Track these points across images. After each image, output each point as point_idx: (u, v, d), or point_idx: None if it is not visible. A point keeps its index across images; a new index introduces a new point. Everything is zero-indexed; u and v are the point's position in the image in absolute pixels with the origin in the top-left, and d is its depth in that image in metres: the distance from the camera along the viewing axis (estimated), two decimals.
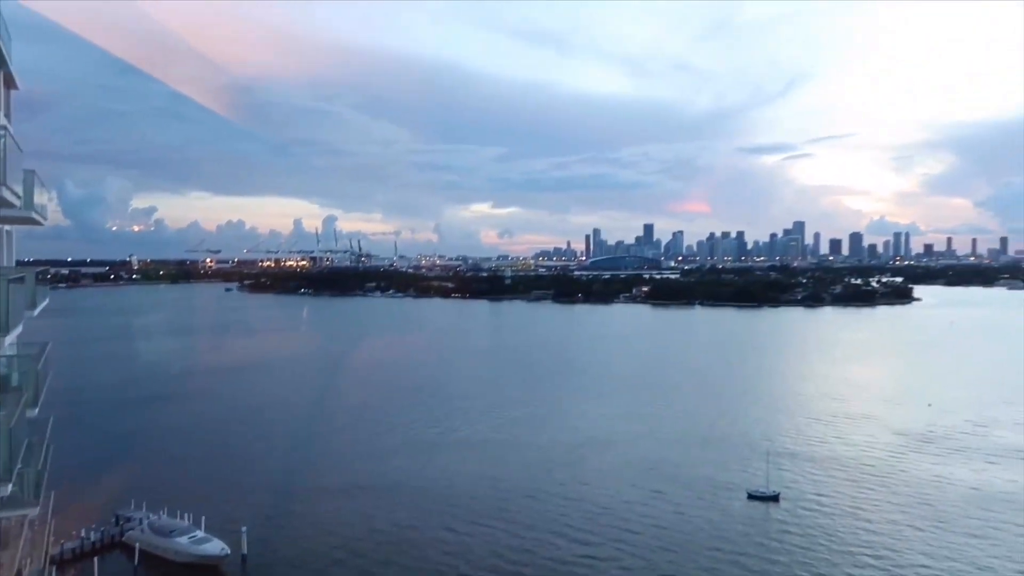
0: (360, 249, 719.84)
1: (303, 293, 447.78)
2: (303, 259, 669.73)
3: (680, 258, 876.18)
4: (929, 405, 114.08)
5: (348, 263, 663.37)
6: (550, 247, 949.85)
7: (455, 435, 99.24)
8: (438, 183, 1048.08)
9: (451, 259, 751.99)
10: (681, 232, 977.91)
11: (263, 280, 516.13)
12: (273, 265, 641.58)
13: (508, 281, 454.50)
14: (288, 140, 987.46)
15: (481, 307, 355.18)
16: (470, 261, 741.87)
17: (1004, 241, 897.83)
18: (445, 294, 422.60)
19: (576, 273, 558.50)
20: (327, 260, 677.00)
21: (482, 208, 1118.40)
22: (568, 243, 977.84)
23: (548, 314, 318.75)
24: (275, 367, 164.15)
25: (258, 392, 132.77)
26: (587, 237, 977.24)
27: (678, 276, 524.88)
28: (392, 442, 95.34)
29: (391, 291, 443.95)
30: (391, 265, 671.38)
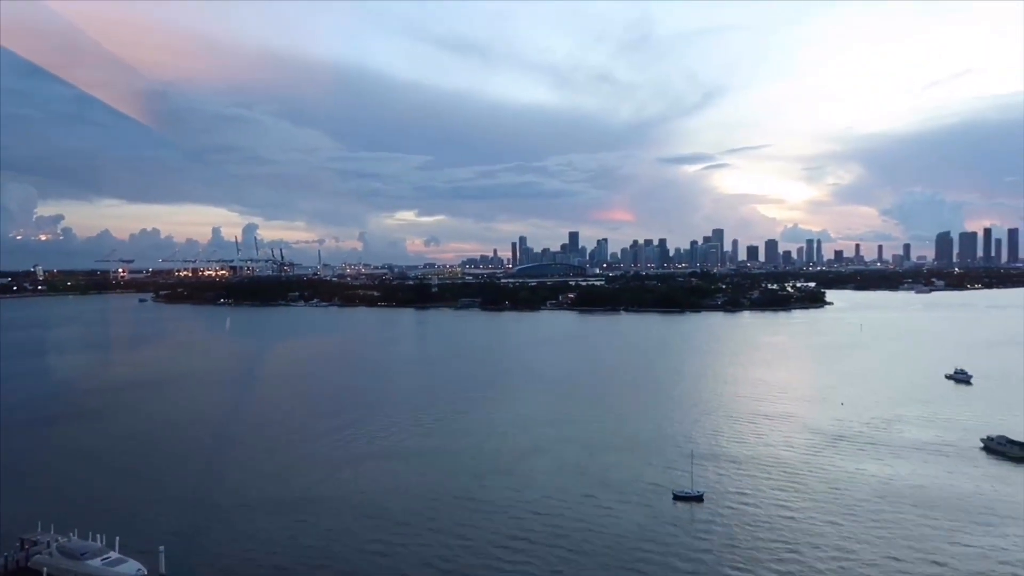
0: (283, 258, 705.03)
1: (222, 303, 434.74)
2: (222, 268, 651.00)
3: (605, 265, 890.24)
4: (842, 404, 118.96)
5: (270, 272, 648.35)
6: (477, 255, 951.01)
7: (382, 444, 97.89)
8: (363, 191, 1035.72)
9: (377, 268, 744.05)
10: (606, 240, 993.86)
11: (180, 290, 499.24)
12: (190, 275, 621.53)
13: (435, 289, 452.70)
14: (206, 146, 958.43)
15: (408, 316, 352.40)
16: (396, 269, 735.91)
17: (907, 247, 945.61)
18: (371, 303, 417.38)
19: (503, 281, 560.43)
20: (248, 269, 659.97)
21: (408, 216, 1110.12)
22: (495, 251, 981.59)
23: (475, 322, 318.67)
24: (192, 380, 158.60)
25: (174, 407, 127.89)
26: (514, 245, 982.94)
27: (603, 283, 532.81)
28: (317, 453, 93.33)
29: (315, 301, 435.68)
30: (315, 274, 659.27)
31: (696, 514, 70.16)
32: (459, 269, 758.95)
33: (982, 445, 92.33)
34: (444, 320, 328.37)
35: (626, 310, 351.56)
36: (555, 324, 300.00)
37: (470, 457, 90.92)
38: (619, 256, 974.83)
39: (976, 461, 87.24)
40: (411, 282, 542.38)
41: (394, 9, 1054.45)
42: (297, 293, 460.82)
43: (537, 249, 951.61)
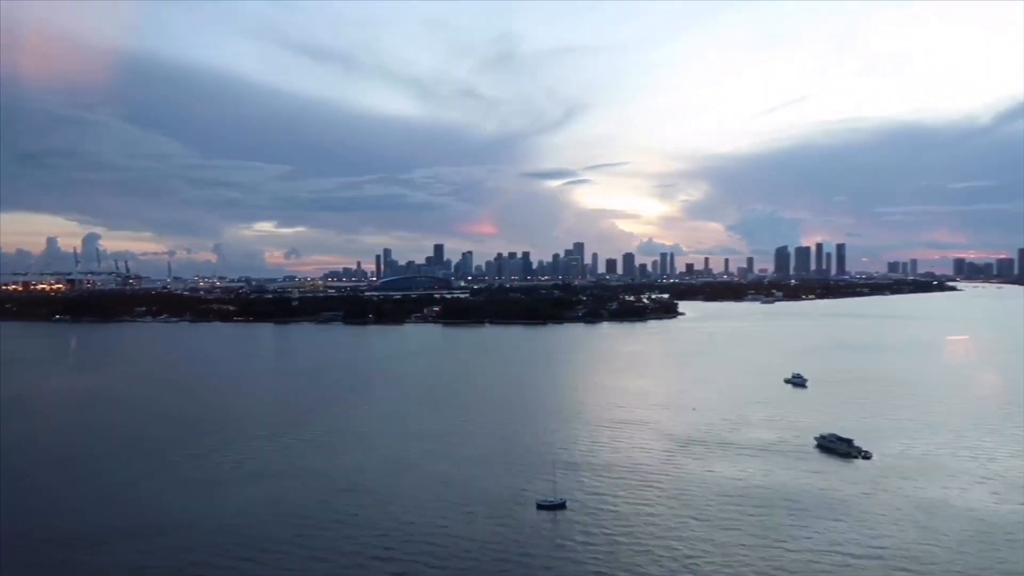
0: (128, 270, 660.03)
1: (58, 320, 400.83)
2: (58, 282, 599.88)
3: (470, 278, 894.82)
4: (693, 409, 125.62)
5: (113, 286, 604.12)
6: (340, 268, 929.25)
7: (244, 466, 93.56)
8: (218, 201, 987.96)
9: (233, 281, 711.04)
10: (471, 252, 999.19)
11: (8, 306, 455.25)
12: (21, 289, 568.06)
13: (295, 303, 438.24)
14: (41, 150, 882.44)
15: (266, 330, 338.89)
16: (254, 283, 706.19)
17: (750, 261, 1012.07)
18: (226, 318, 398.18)
19: (367, 294, 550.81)
20: (88, 283, 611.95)
21: (267, 227, 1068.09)
22: (359, 263, 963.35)
23: (338, 336, 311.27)
24: (24, 405, 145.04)
25: (7, 434, 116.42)
26: (378, 257, 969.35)
27: (468, 296, 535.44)
28: (174, 478, 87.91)
29: (164, 316, 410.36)
30: (164, 288, 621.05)
31: (559, 521, 71.80)
32: (321, 282, 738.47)
33: (816, 443, 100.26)
34: (305, 335, 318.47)
35: (491, 322, 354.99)
36: (420, 337, 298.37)
37: (334, 474, 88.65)
38: (484, 269, 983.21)
39: (811, 458, 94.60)
40: (270, 296, 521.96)
41: (253, 12, 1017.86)
42: (144, 308, 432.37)
43: (402, 262, 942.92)
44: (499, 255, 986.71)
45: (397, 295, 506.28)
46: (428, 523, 71.29)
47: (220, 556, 63.74)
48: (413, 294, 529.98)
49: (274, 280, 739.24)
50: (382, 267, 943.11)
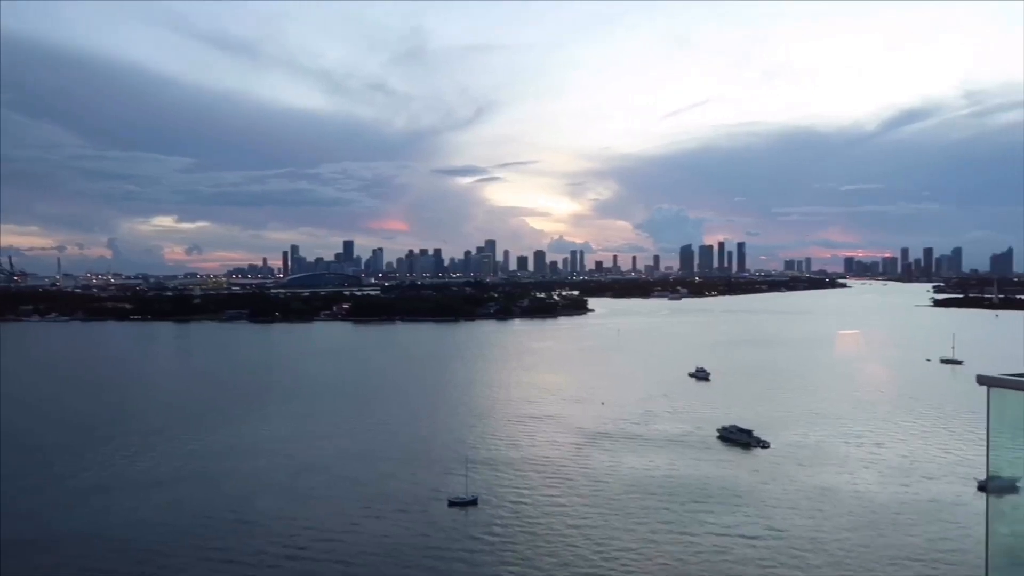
0: (12, 266, 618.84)
1: None
2: None
3: (381, 275, 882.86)
4: (603, 403, 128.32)
5: None
6: (244, 264, 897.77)
7: (144, 472, 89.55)
8: (113, 194, 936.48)
9: (129, 278, 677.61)
10: (381, 249, 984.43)
11: None
12: None
13: (197, 300, 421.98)
14: None
15: (166, 329, 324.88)
16: (152, 280, 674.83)
17: (657, 259, 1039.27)
18: (122, 316, 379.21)
19: (274, 291, 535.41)
20: None
21: (166, 222, 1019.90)
22: (264, 260, 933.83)
23: (244, 335, 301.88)
24: None
25: None
26: (285, 254, 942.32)
27: (379, 293, 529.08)
28: (67, 486, 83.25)
29: (53, 315, 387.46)
30: (53, 285, 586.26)
31: (471, 518, 72.13)
32: (225, 279, 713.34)
33: (718, 434, 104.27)
34: (209, 334, 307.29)
35: (402, 319, 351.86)
36: (329, 335, 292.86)
37: (241, 477, 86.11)
38: (395, 266, 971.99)
39: (713, 449, 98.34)
40: (170, 293, 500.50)
41: (153, 1, 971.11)
42: (30, 306, 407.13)
43: (310, 258, 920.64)
44: (410, 252, 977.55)
45: (305, 292, 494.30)
46: (338, 523, 70.27)
47: (118, 566, 60.93)
48: (322, 291, 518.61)
49: (174, 277, 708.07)
50: (289, 264, 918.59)
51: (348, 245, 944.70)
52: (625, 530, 67.95)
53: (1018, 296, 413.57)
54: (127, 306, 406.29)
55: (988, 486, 6.17)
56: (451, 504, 75.50)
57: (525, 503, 76.09)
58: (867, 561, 61.36)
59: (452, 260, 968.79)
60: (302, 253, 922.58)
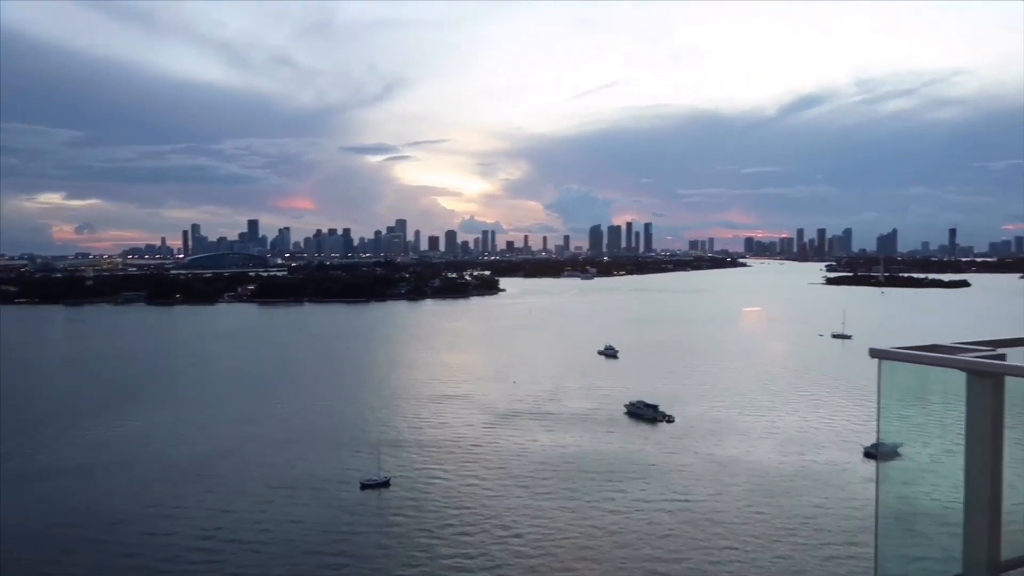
0: None
1: None
2: None
3: (288, 255, 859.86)
4: (514, 382, 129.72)
5: None
6: (142, 244, 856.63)
7: (42, 463, 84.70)
8: None
9: (13, 258, 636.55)
10: (288, 229, 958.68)
11: None
12: None
13: (90, 283, 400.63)
14: None
15: (56, 313, 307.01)
16: (39, 260, 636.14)
17: (567, 239, 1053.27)
18: (7, 299, 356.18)
19: (174, 272, 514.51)
20: None
21: (54, 199, 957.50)
22: (163, 240, 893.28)
23: (142, 318, 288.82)
24: None
25: None
26: (185, 233, 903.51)
27: (286, 273, 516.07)
28: None
29: None
30: None
31: (383, 499, 71.86)
32: (120, 260, 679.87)
33: (625, 410, 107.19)
34: (103, 318, 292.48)
35: (310, 301, 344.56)
36: (234, 318, 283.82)
37: (143, 465, 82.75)
38: (302, 246, 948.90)
39: (621, 424, 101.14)
40: (59, 275, 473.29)
41: None
42: None
43: (213, 238, 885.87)
44: (318, 231, 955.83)
45: (208, 273, 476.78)
46: (248, 508, 68.70)
47: (17, 559, 57.66)
48: (226, 272, 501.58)
49: (64, 258, 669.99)
50: (190, 244, 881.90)
51: (253, 224, 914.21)
52: (536, 506, 69.18)
53: (901, 274, 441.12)
54: (12, 288, 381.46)
55: (878, 452, 6.60)
56: (363, 487, 74.92)
57: (438, 483, 76.33)
58: (762, 525, 64.67)
59: (362, 240, 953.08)
60: (204, 232, 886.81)
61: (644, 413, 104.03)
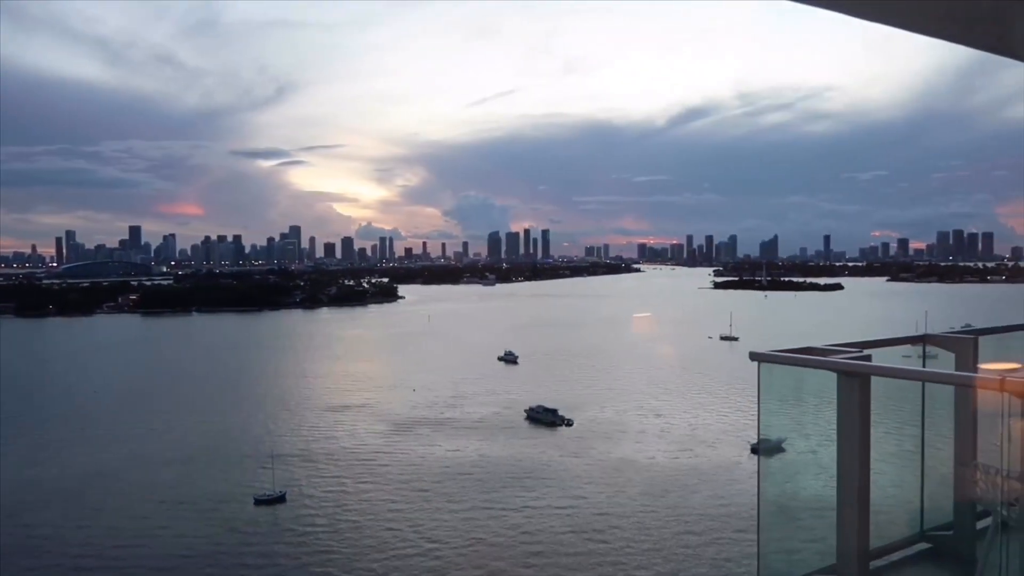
0: None
1: None
2: None
3: (174, 263, 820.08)
4: (414, 390, 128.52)
5: None
6: (8, 252, 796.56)
7: None
8: None
9: None
10: (173, 235, 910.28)
11: None
12: None
13: None
14: None
15: None
16: None
17: (466, 245, 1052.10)
18: None
19: (45, 282, 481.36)
20: None
21: None
22: (33, 247, 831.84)
23: (9, 331, 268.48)
24: None
25: None
26: (59, 240, 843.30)
27: (172, 282, 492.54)
28: None
29: None
30: None
31: (279, 514, 69.65)
32: None
33: (525, 415, 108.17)
34: None
35: (199, 311, 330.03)
36: (114, 329, 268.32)
37: (13, 491, 76.75)
38: (190, 253, 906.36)
39: (521, 429, 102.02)
40: None
41: None
42: None
43: (90, 245, 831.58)
44: (207, 238, 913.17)
45: (85, 283, 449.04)
46: (134, 529, 65.04)
47: None
48: (105, 282, 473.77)
49: None
50: (64, 251, 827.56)
51: (135, 231, 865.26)
52: (438, 516, 68.77)
53: (782, 278, 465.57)
54: None
55: (759, 449, 6.98)
56: (257, 502, 72.38)
57: (336, 495, 74.66)
58: (657, 522, 66.72)
59: (254, 247, 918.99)
60: (80, 239, 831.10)
61: (544, 417, 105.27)
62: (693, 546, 61.80)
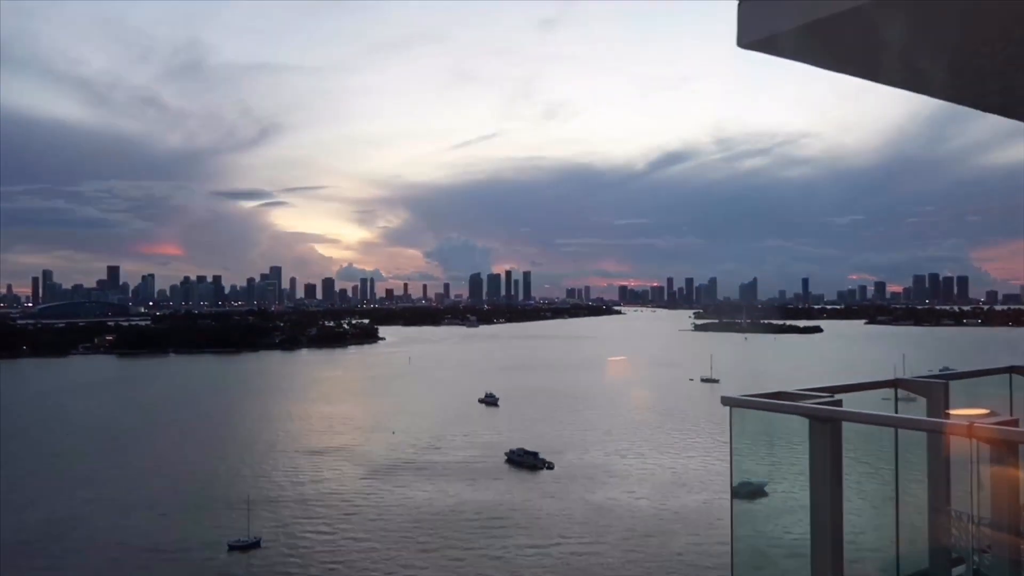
0: None
1: None
2: None
3: (152, 304, 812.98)
4: (393, 433, 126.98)
5: None
6: None
7: None
8: None
9: None
10: (152, 276, 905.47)
11: None
12: None
13: None
14: None
15: None
16: None
17: (447, 287, 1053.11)
18: None
19: (20, 322, 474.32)
20: None
21: None
22: (9, 287, 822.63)
23: None
24: None
25: None
26: (35, 280, 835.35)
27: (150, 323, 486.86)
28: None
29: None
30: None
31: (253, 561, 68.04)
32: None
33: (506, 458, 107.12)
34: None
35: (176, 352, 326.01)
36: (89, 370, 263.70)
37: None
38: (168, 294, 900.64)
39: (502, 473, 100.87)
40: None
41: None
42: None
43: (67, 285, 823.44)
44: (186, 279, 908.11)
45: (60, 323, 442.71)
46: None
47: None
48: (81, 322, 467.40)
49: None
50: (41, 292, 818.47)
51: (113, 271, 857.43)
52: (415, 563, 67.49)
53: (762, 321, 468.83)
54: None
55: (732, 493, 6.98)
56: (231, 548, 70.66)
57: (312, 540, 73.11)
58: (639, 567, 65.84)
59: (234, 288, 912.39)
60: (57, 279, 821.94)
61: (524, 460, 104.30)
62: None
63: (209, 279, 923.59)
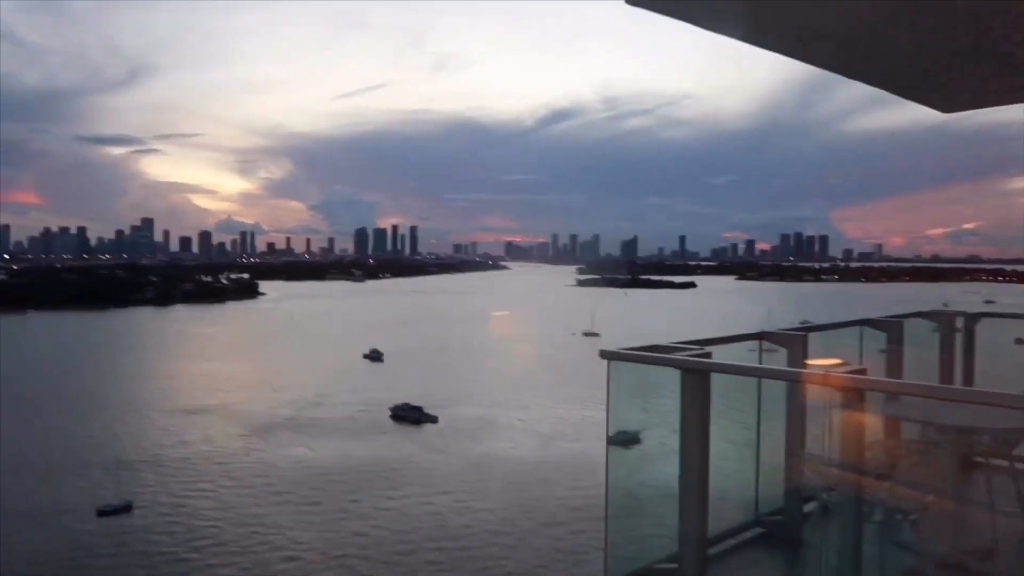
0: None
1: None
2: None
3: (7, 257, 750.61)
4: (275, 390, 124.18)
5: None
6: None
7: None
8: None
9: None
10: (8, 227, 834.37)
11: None
12: None
13: None
14: None
15: None
16: None
17: (332, 241, 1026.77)
18: None
19: None
20: None
21: None
22: None
23: None
24: None
25: None
26: None
27: (6, 277, 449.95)
28: None
29: None
30: None
31: (124, 526, 65.35)
32: None
33: (390, 413, 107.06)
34: None
35: (36, 309, 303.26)
36: None
37: None
38: (26, 246, 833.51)
39: (386, 428, 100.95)
40: None
41: None
42: None
43: None
44: (46, 230, 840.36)
45: None
46: None
47: None
48: None
49: None
50: None
51: None
52: (300, 520, 66.85)
53: (641, 276, 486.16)
54: None
55: (608, 442, 7.24)
56: (100, 513, 67.47)
57: (188, 502, 70.92)
58: (521, 513, 67.98)
59: (101, 240, 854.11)
60: None
61: (409, 415, 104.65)
62: (556, 537, 63.35)
63: (73, 230, 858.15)
